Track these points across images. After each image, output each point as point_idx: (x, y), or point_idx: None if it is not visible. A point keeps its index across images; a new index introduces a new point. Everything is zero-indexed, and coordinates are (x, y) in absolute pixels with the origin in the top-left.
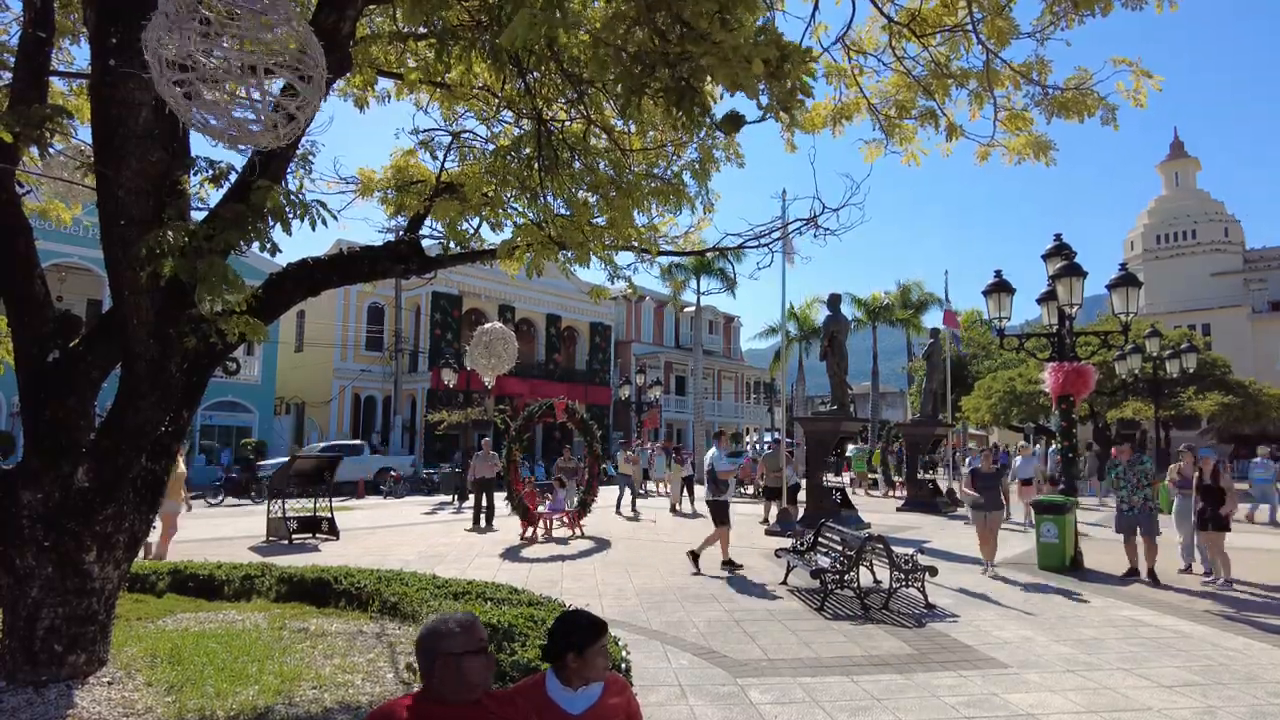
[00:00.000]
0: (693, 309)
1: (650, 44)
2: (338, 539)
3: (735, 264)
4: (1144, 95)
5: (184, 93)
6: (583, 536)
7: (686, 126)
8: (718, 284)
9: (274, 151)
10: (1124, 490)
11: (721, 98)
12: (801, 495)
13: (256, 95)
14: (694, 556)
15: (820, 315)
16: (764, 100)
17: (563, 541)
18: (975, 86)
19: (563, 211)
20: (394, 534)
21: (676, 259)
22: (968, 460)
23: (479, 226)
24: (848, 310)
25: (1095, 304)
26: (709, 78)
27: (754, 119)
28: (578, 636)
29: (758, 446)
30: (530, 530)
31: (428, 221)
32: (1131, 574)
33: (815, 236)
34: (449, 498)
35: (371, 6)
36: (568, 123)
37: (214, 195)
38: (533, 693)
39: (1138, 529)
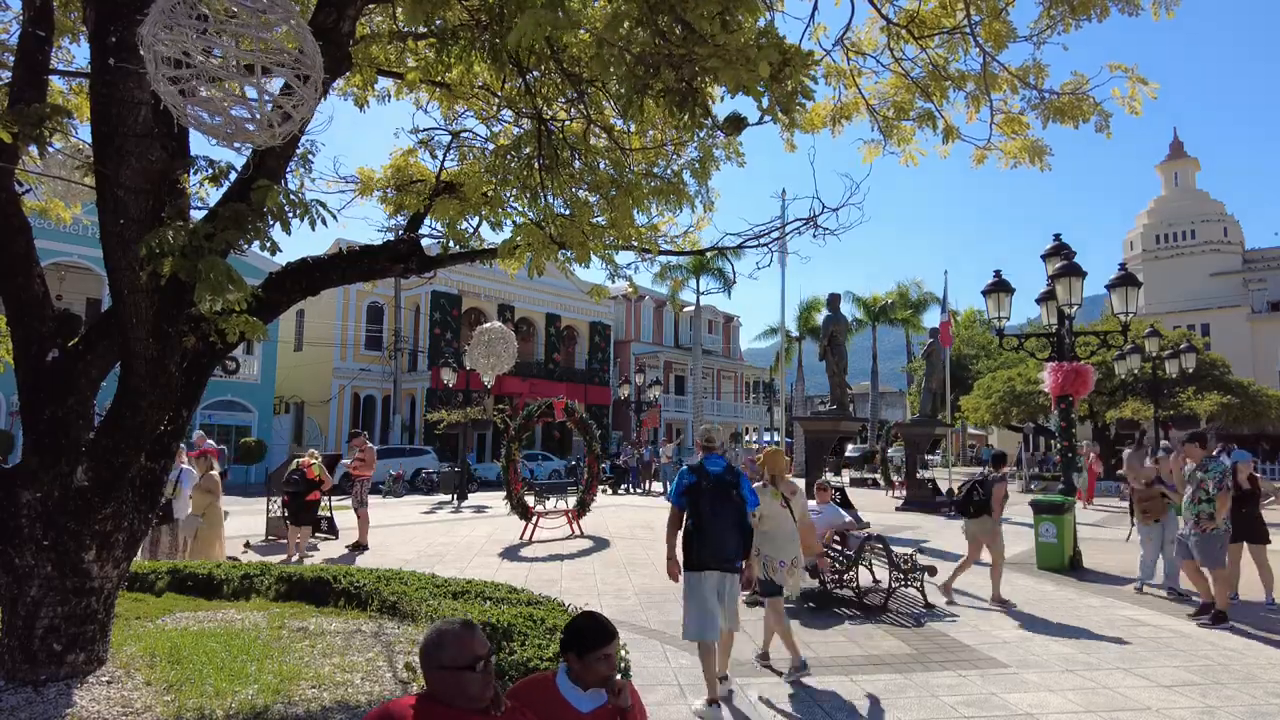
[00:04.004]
0: (692, 309)
1: (653, 45)
2: (337, 538)
3: (735, 263)
4: (1139, 102)
5: (180, 90)
6: (582, 536)
7: (688, 127)
8: (717, 284)
9: (272, 150)
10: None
11: (722, 99)
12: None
13: (253, 93)
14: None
15: (822, 316)
16: (764, 102)
17: (562, 541)
18: (973, 89)
19: (563, 211)
20: (393, 533)
21: (675, 259)
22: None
23: (479, 226)
24: (848, 310)
25: (1095, 304)
26: (712, 79)
27: (754, 121)
28: (580, 639)
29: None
30: (531, 529)
31: (427, 221)
32: (1204, 611)
33: (815, 236)
34: (449, 497)
35: (371, 6)
36: (568, 122)
37: (214, 195)
38: (541, 689)
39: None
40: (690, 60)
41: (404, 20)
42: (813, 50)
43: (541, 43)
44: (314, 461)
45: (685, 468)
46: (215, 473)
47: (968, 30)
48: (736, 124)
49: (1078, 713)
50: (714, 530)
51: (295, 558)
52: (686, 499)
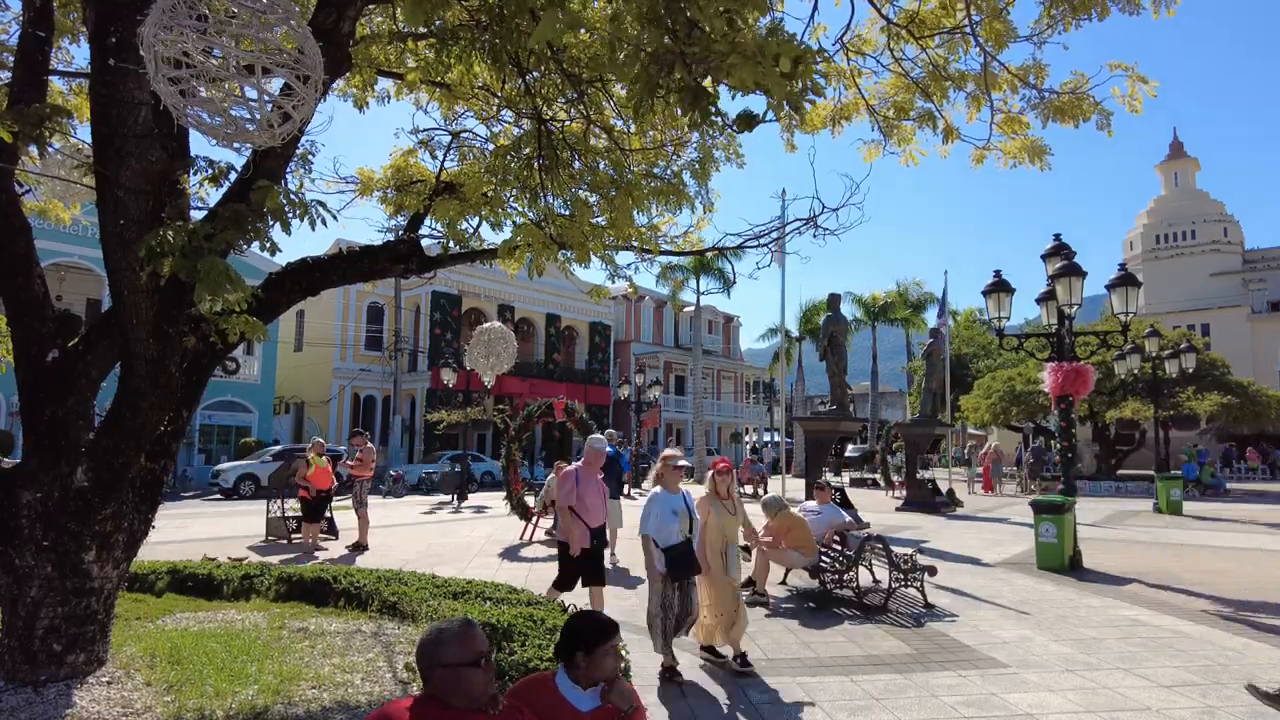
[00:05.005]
0: (692, 309)
1: (665, 44)
2: (337, 538)
3: (735, 263)
4: (1139, 101)
5: (180, 90)
6: None
7: (696, 125)
8: (717, 284)
9: (272, 150)
10: None
11: (733, 97)
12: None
13: (253, 94)
14: None
15: (822, 316)
16: (774, 100)
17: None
18: (973, 89)
19: (563, 211)
20: (393, 534)
21: (675, 259)
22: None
23: (479, 226)
24: (848, 310)
25: (1095, 304)
26: (725, 77)
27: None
28: (587, 636)
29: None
30: (531, 530)
31: (427, 221)
32: None
33: (815, 236)
34: (449, 498)
35: (371, 6)
36: (567, 122)
37: (214, 195)
38: (541, 690)
39: None
40: (705, 58)
41: (404, 20)
42: (821, 48)
43: (544, 44)
44: (320, 459)
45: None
46: None
47: (968, 30)
48: (748, 121)
49: (1078, 713)
50: (609, 478)
51: (315, 555)
52: None
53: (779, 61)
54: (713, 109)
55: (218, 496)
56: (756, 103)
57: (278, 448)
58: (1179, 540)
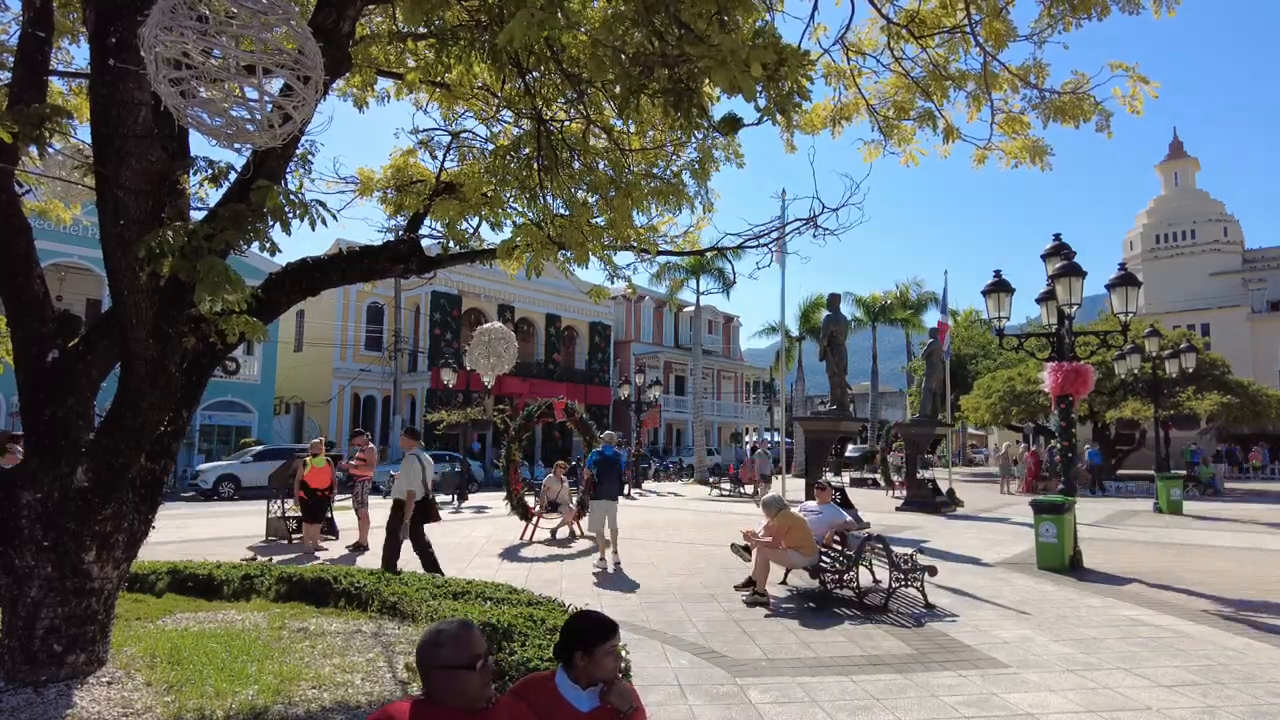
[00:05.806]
0: (692, 309)
1: (648, 45)
2: (337, 538)
3: (735, 263)
4: (1140, 101)
5: (180, 91)
6: (583, 536)
7: (684, 127)
8: (717, 284)
9: (272, 151)
10: None
11: (720, 99)
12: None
13: (253, 94)
14: None
15: (823, 316)
16: (762, 103)
17: (563, 542)
18: (973, 89)
19: (562, 211)
20: None
21: (674, 260)
22: None
23: (478, 226)
24: (847, 310)
25: (1095, 303)
26: (707, 79)
27: (752, 121)
28: (586, 636)
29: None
30: (532, 529)
31: (427, 221)
32: None
33: (815, 236)
34: (449, 498)
35: (371, 6)
36: (567, 122)
37: (214, 195)
38: (541, 689)
39: None
40: (685, 60)
41: (403, 20)
42: (809, 50)
43: (540, 43)
44: (321, 457)
45: (595, 451)
46: None
47: (968, 29)
48: (732, 124)
49: (1078, 713)
50: (608, 481)
51: (316, 555)
52: (598, 466)
53: (750, 66)
54: (696, 110)
55: (191, 494)
56: (749, 103)
57: (259, 448)
58: (1179, 540)
